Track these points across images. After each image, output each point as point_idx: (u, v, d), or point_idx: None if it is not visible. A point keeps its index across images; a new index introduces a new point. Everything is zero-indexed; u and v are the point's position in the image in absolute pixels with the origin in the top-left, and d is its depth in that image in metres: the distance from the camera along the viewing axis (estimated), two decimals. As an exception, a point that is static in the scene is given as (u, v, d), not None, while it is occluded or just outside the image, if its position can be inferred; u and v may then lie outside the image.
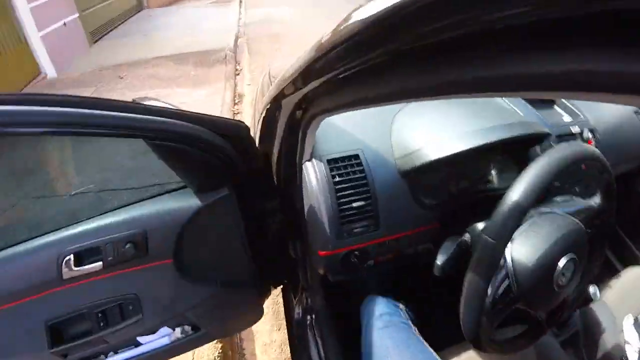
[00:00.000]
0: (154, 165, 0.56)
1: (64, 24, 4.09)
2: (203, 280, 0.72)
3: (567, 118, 1.01)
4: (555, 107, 1.04)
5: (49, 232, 0.56)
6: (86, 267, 0.57)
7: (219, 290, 0.76)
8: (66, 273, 0.57)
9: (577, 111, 1.03)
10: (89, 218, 0.58)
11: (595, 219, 0.70)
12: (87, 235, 0.56)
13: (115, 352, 0.84)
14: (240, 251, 0.74)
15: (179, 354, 1.04)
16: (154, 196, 0.60)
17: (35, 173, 0.73)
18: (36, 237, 0.56)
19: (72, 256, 0.56)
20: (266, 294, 0.94)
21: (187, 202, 0.59)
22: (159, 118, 0.46)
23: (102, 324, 0.66)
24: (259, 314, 0.95)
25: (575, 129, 0.99)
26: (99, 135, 0.44)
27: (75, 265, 0.56)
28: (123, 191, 0.63)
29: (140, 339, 0.85)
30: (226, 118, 0.57)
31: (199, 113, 0.52)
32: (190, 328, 0.88)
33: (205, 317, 0.83)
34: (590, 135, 0.99)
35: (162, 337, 0.87)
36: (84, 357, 0.72)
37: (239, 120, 0.59)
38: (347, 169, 0.76)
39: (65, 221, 0.57)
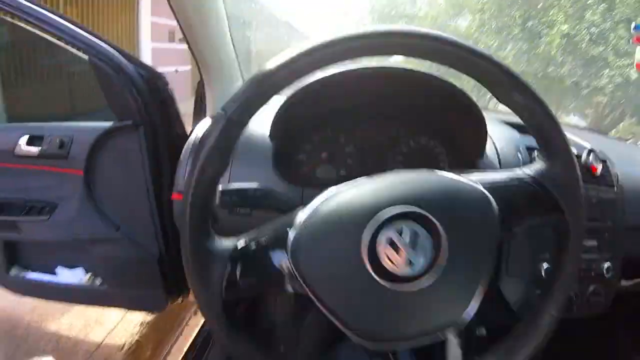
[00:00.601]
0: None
1: (176, 70, 5.31)
2: (106, 215, 0.87)
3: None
4: None
5: (22, 121, 0.85)
6: (30, 148, 0.82)
7: (119, 237, 0.89)
8: (17, 149, 0.82)
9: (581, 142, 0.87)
10: (52, 121, 0.85)
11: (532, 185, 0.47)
12: (42, 129, 0.83)
13: (32, 271, 1.03)
14: (144, 212, 0.85)
15: (83, 303, 1.15)
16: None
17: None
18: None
19: (26, 137, 0.82)
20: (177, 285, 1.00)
21: (104, 124, 0.81)
22: (100, 41, 0.73)
23: (23, 213, 0.87)
24: (158, 301, 1.01)
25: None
26: (54, 35, 0.72)
27: (26, 145, 0.82)
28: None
29: (58, 269, 1.02)
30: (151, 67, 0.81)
31: (135, 58, 0.77)
32: (99, 282, 1.01)
33: (106, 268, 0.95)
34: (596, 163, 0.78)
35: (75, 277, 1.02)
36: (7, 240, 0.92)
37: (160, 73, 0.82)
38: None
39: (37, 119, 0.85)
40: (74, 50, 0.77)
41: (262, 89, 0.40)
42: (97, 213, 0.87)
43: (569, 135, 0.90)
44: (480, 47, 0.41)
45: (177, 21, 0.82)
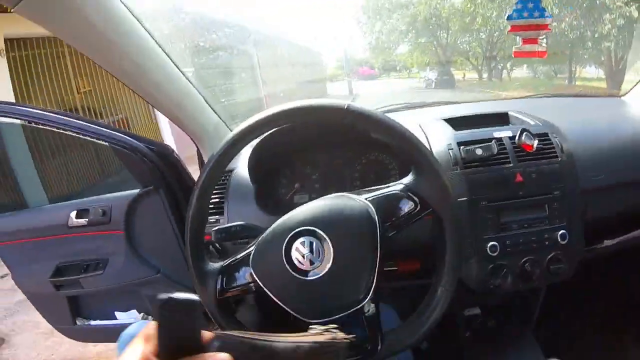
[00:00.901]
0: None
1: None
2: (147, 262, 1.08)
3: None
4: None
5: (70, 199, 1.08)
6: (80, 220, 1.05)
7: (160, 278, 1.10)
8: (70, 221, 1.05)
9: (527, 119, 0.94)
10: (91, 197, 1.08)
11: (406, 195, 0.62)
12: (86, 203, 1.06)
13: (94, 319, 1.25)
14: (178, 255, 1.05)
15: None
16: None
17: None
18: (64, 200, 1.08)
19: (75, 212, 1.05)
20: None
21: (133, 192, 1.03)
22: (115, 132, 0.95)
23: (82, 271, 1.09)
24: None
25: (501, 133, 0.87)
26: (84, 135, 0.94)
27: (75, 218, 1.05)
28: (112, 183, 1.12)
29: (117, 314, 1.24)
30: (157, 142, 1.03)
31: (145, 138, 0.99)
32: (151, 319, 1.22)
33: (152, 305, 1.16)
34: (529, 140, 0.83)
35: (130, 318, 1.24)
36: (71, 296, 1.14)
37: (167, 144, 1.03)
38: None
39: (78, 196, 1.08)
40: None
41: (216, 164, 0.64)
42: (140, 261, 1.09)
43: (516, 114, 1.03)
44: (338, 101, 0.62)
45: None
